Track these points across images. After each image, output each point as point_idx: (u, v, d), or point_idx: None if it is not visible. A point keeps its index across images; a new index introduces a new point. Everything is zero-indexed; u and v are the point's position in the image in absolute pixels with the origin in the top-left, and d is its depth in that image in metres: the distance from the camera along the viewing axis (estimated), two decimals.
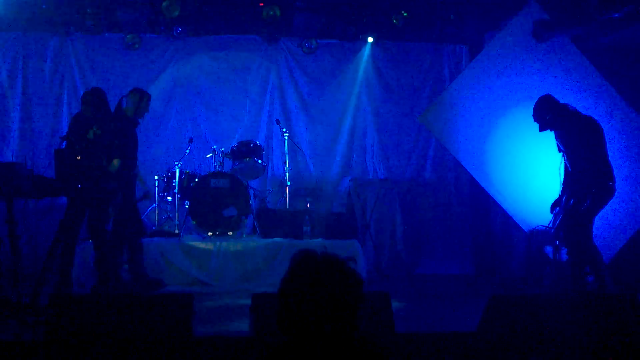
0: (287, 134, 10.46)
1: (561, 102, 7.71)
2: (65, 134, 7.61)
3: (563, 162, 7.76)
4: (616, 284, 7.73)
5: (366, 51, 11.35)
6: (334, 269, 2.47)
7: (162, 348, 4.28)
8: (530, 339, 4.70)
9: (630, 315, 4.73)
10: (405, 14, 10.27)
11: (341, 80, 11.46)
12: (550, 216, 7.96)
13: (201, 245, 9.06)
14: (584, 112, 7.71)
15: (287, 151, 10.46)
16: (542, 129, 7.78)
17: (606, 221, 8.22)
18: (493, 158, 9.34)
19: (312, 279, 2.44)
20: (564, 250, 7.93)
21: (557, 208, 7.80)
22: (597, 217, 7.55)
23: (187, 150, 10.27)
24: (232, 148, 10.02)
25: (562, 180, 7.80)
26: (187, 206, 9.67)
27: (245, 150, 9.91)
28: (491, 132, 9.34)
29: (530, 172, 9.07)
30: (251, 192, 9.86)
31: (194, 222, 9.52)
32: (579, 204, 7.46)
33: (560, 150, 7.79)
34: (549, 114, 7.65)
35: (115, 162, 7.65)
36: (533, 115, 7.79)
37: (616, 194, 7.55)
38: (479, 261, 10.96)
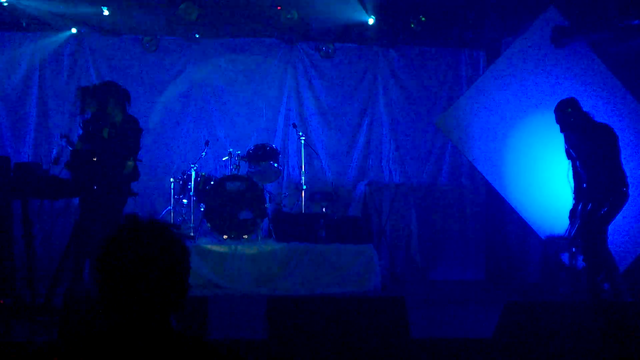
0: (303, 138, 10.43)
1: (584, 109, 7.72)
2: (78, 135, 7.58)
3: (571, 169, 7.80)
4: (632, 292, 7.70)
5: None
6: (157, 236, 2.27)
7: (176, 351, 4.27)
8: (545, 346, 4.67)
9: None
10: (423, 19, 10.24)
11: (358, 84, 11.42)
12: (566, 223, 7.95)
13: (216, 248, 9.04)
14: (601, 119, 7.72)
15: (303, 155, 10.44)
16: (563, 129, 7.77)
17: (621, 229, 8.19)
18: (510, 164, 9.31)
19: (135, 247, 2.22)
20: (580, 258, 7.91)
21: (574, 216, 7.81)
22: (611, 225, 7.56)
23: (203, 153, 10.27)
24: (248, 151, 10.02)
25: (572, 187, 7.83)
26: (202, 209, 9.67)
27: (262, 154, 9.90)
28: (508, 138, 9.31)
29: (547, 179, 9.01)
30: (267, 195, 9.84)
31: (209, 225, 9.52)
32: (595, 210, 7.47)
33: (569, 157, 7.81)
34: (572, 117, 7.63)
35: (130, 163, 7.62)
36: (556, 115, 7.77)
37: (629, 199, 7.56)
38: (492, 267, 10.91)
